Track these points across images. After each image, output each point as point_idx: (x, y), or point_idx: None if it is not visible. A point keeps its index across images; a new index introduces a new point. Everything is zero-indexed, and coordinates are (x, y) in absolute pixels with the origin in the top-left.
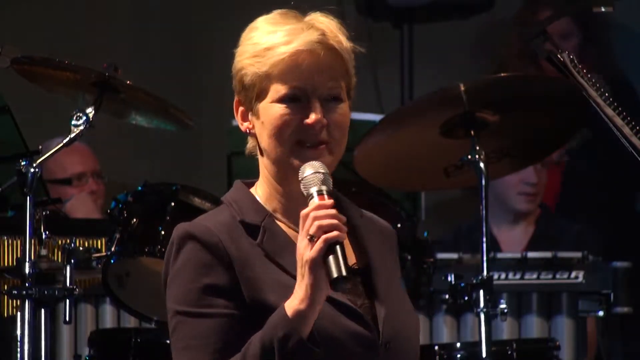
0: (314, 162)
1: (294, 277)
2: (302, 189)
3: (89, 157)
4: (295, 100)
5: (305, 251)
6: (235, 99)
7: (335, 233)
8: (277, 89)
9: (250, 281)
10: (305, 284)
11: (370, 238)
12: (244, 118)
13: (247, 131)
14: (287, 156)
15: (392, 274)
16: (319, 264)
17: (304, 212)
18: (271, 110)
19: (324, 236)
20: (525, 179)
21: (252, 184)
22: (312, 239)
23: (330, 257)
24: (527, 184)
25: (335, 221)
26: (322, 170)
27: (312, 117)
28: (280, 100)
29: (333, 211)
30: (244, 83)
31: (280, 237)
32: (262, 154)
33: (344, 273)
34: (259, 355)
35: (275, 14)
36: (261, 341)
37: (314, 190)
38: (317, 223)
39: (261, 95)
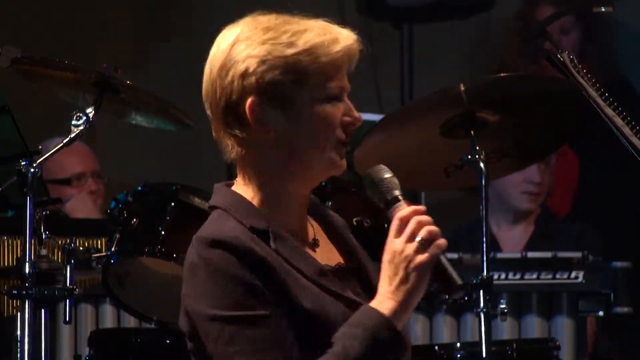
0: (382, 165)
1: (311, 281)
2: (378, 192)
3: (88, 157)
4: (338, 99)
5: (415, 255)
6: (250, 100)
7: (444, 240)
8: (328, 88)
9: (282, 285)
10: (408, 288)
11: (349, 236)
12: (262, 121)
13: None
14: (329, 154)
15: (373, 269)
16: (428, 269)
17: (402, 215)
18: (318, 109)
19: (438, 242)
20: (528, 178)
21: (231, 186)
22: (421, 244)
23: (446, 263)
24: (530, 183)
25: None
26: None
27: (356, 116)
28: (329, 99)
29: (431, 218)
30: (276, 84)
31: (287, 241)
32: (260, 157)
33: (460, 281)
34: (361, 354)
35: (279, 15)
36: (362, 341)
37: (398, 193)
38: (427, 228)
39: (304, 94)
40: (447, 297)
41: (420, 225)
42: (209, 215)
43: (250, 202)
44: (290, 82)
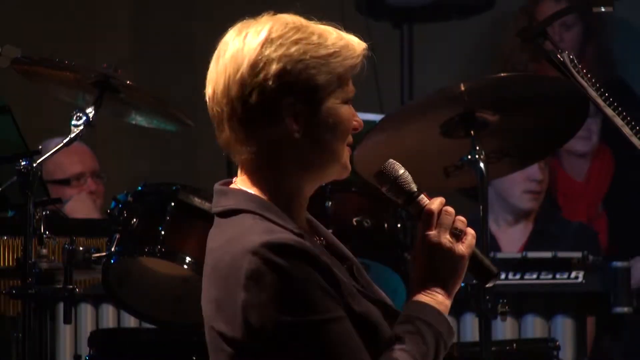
0: (393, 160)
1: (342, 281)
2: (397, 187)
3: (87, 157)
4: (349, 103)
5: (455, 247)
6: (286, 100)
7: (472, 230)
8: (347, 91)
9: (339, 289)
10: (455, 279)
11: (332, 235)
12: (294, 121)
13: (291, 135)
14: (342, 156)
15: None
16: (467, 259)
17: (433, 207)
18: (341, 111)
19: (471, 231)
20: (531, 176)
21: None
22: (456, 235)
23: (479, 253)
24: (532, 181)
25: None
26: None
27: (360, 120)
28: (348, 101)
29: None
30: (311, 84)
31: (316, 244)
32: (279, 158)
33: (496, 270)
34: (433, 352)
35: (296, 16)
36: (433, 338)
37: (416, 187)
38: (459, 218)
39: (331, 95)
40: (483, 285)
41: (452, 216)
42: (213, 218)
43: (271, 204)
44: (322, 83)
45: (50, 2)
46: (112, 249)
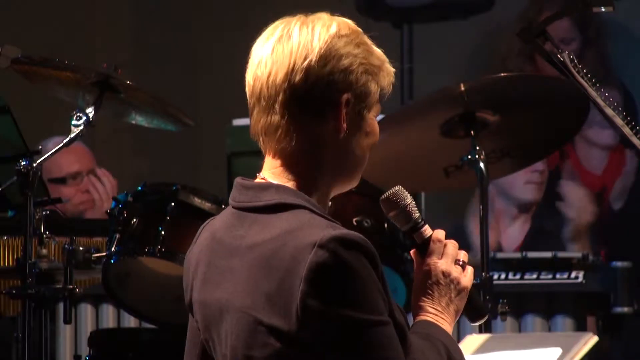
0: (399, 187)
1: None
2: (404, 215)
3: (84, 156)
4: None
5: (461, 277)
6: (346, 96)
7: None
8: (379, 107)
9: (386, 292)
10: (455, 309)
11: None
12: (347, 119)
13: (340, 132)
14: (363, 168)
15: None
16: (468, 292)
17: (439, 237)
18: (376, 124)
19: (471, 267)
20: (532, 167)
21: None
22: (460, 266)
23: (473, 291)
24: (534, 172)
25: None
26: None
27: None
28: (377, 117)
29: None
30: (366, 88)
31: None
32: (320, 159)
33: (487, 309)
34: None
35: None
36: (445, 352)
37: (420, 216)
38: (462, 252)
39: (373, 106)
40: (472, 322)
41: (456, 248)
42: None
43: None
44: (373, 91)
45: (50, 2)
46: (112, 249)
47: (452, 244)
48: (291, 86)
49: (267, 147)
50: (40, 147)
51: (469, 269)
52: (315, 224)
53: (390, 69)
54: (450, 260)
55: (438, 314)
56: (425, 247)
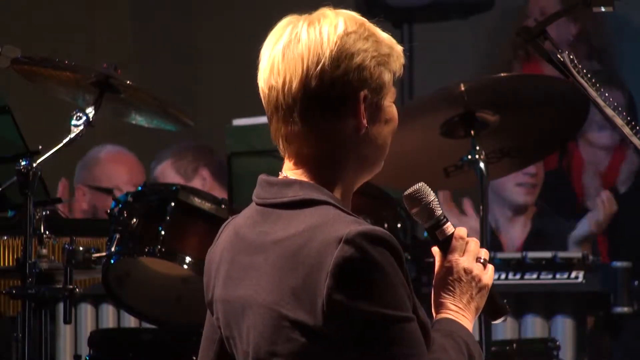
0: (423, 183)
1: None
2: (427, 212)
3: (135, 168)
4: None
5: (483, 275)
6: (363, 93)
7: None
8: (394, 91)
9: (410, 289)
10: (476, 306)
11: None
12: (366, 116)
13: (361, 129)
14: (386, 153)
15: None
16: (488, 290)
17: (462, 234)
18: (393, 110)
19: (491, 265)
20: (524, 170)
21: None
22: (482, 264)
23: (494, 289)
24: (526, 174)
25: None
26: None
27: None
28: (394, 101)
29: None
30: (381, 80)
31: None
32: (346, 155)
33: (507, 309)
34: None
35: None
36: (466, 349)
37: (443, 213)
38: (484, 249)
39: (388, 93)
40: (492, 320)
41: (478, 246)
42: (212, 218)
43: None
44: (387, 81)
45: (50, 3)
46: (112, 249)
47: (473, 242)
48: (307, 94)
49: (289, 152)
50: (40, 147)
51: (490, 267)
52: (341, 220)
53: (399, 50)
54: (472, 258)
55: (459, 311)
56: (447, 244)
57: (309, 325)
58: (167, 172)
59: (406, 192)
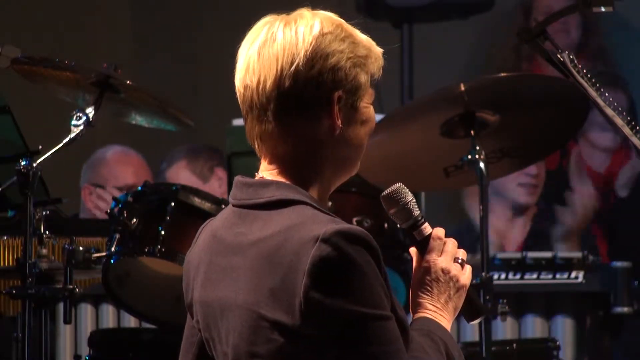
0: (400, 184)
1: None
2: (404, 212)
3: (142, 169)
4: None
5: (460, 275)
6: (337, 94)
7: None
8: (372, 93)
9: (388, 287)
10: (454, 306)
11: None
12: (341, 117)
13: (336, 130)
14: (362, 155)
15: None
16: (466, 290)
17: (440, 234)
18: (370, 111)
19: (469, 265)
20: (525, 170)
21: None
22: (460, 264)
23: (471, 290)
24: (527, 175)
25: None
26: None
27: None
28: (372, 103)
29: None
30: (356, 82)
31: None
32: (326, 154)
33: (485, 309)
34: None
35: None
36: (444, 349)
37: (420, 214)
38: (461, 250)
39: (364, 95)
40: (469, 321)
41: (456, 246)
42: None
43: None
44: (363, 82)
45: (50, 3)
46: (112, 249)
47: (451, 242)
48: (281, 93)
49: (263, 152)
50: (40, 147)
51: (468, 268)
52: (318, 219)
53: (377, 52)
54: (450, 258)
55: (437, 311)
56: (424, 244)
57: (288, 325)
58: (182, 173)
59: (384, 193)
